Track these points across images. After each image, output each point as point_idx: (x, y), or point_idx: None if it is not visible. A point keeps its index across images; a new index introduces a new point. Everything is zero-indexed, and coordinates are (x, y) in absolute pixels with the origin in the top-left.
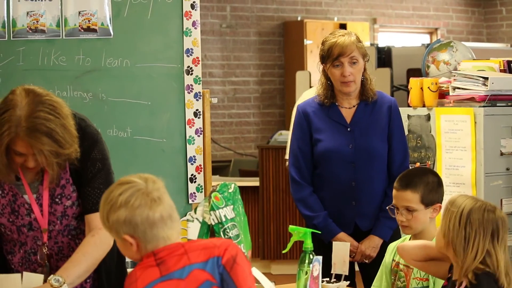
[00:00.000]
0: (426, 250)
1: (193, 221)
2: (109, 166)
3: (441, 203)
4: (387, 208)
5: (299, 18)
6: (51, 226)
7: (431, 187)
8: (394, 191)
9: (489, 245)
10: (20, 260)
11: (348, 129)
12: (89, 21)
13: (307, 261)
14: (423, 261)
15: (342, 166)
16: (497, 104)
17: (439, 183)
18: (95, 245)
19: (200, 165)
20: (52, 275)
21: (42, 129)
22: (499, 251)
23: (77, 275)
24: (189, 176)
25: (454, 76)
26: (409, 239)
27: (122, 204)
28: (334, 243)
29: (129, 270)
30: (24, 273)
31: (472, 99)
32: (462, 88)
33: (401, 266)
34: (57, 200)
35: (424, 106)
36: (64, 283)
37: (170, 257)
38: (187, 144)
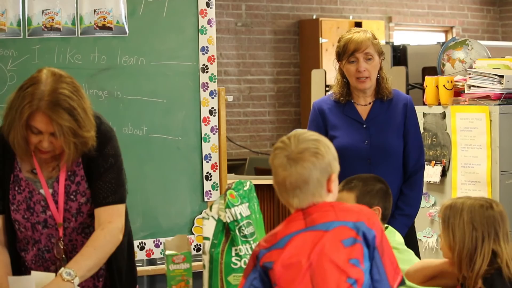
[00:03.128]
0: (424, 272)
1: (208, 219)
2: (121, 163)
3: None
4: None
5: (314, 17)
6: (66, 223)
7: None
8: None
9: (494, 244)
10: (33, 258)
11: (364, 125)
12: (104, 19)
13: None
14: (428, 280)
15: (357, 162)
16: None
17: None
18: (105, 239)
19: (215, 163)
20: (62, 268)
21: (64, 105)
22: (504, 247)
23: (88, 269)
24: (204, 174)
25: (470, 74)
26: None
27: None
28: None
29: (139, 269)
30: (33, 272)
31: (487, 97)
32: (477, 86)
33: None
34: (72, 197)
35: (439, 104)
36: (76, 276)
37: (317, 212)
38: (202, 142)
